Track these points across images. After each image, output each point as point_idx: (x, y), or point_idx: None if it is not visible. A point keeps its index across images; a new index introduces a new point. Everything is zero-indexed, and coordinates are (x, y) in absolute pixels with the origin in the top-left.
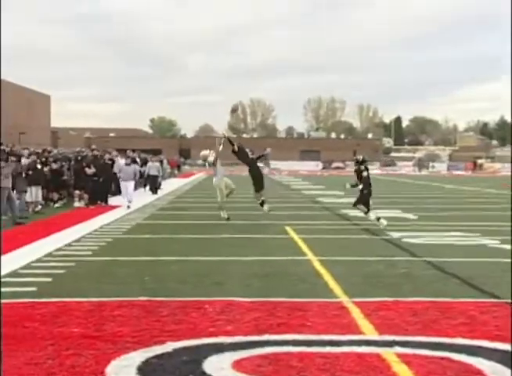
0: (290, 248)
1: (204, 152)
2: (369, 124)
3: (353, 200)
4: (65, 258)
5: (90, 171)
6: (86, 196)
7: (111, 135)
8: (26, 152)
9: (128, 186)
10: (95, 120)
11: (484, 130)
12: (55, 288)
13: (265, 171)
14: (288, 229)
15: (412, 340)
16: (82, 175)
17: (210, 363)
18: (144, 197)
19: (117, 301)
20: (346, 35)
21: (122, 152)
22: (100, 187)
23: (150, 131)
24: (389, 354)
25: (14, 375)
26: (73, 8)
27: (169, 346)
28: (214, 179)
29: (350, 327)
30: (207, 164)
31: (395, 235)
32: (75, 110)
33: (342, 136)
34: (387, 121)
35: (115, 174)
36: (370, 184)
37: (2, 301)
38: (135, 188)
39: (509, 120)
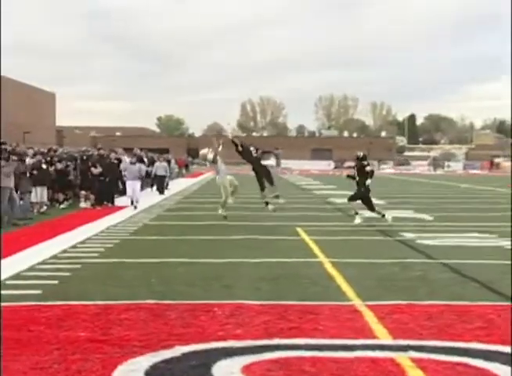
0: (301, 250)
1: (203, 150)
2: (382, 122)
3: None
4: (71, 260)
5: (96, 170)
6: (92, 196)
7: (117, 134)
8: (30, 151)
9: (133, 185)
10: (101, 118)
11: (501, 128)
12: (60, 291)
13: (276, 170)
14: (299, 230)
15: (428, 344)
16: (88, 175)
17: (219, 368)
18: (151, 197)
19: (123, 304)
20: (358, 31)
21: (129, 151)
22: (106, 187)
23: (157, 129)
24: (403, 359)
25: None
26: (79, 3)
27: (177, 350)
28: (217, 178)
29: (363, 331)
30: (207, 162)
31: (410, 236)
32: (81, 109)
33: (354, 135)
34: (400, 118)
35: (121, 173)
36: (372, 175)
37: (6, 304)
38: (142, 188)
39: None
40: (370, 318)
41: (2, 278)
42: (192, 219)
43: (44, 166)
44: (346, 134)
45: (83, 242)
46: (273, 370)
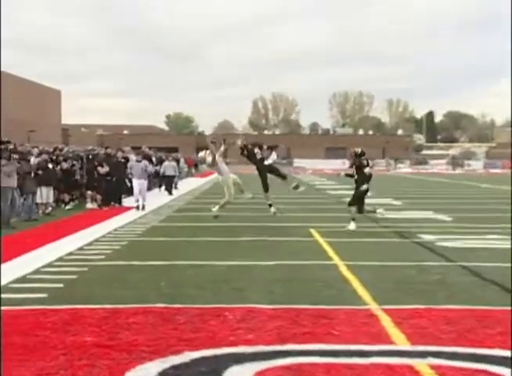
0: (314, 252)
1: (201, 153)
2: (398, 119)
3: (383, 200)
4: (77, 262)
5: (103, 170)
6: (99, 197)
7: (125, 132)
8: (35, 150)
9: (139, 185)
10: (108, 116)
11: None
12: (66, 294)
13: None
14: (313, 231)
15: (447, 350)
16: (95, 175)
17: (230, 374)
18: (159, 197)
19: (131, 308)
20: (374, 26)
21: (137, 150)
22: (114, 187)
23: (166, 128)
24: (422, 365)
25: None
26: None
27: (187, 356)
28: (220, 178)
29: (380, 337)
30: (206, 165)
31: (428, 238)
32: (87, 106)
33: (370, 133)
34: (418, 116)
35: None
36: (370, 180)
37: (11, 308)
38: (150, 188)
39: None
40: (387, 323)
41: (7, 281)
42: (202, 220)
43: (50, 165)
44: (361, 132)
45: (89, 244)
46: None
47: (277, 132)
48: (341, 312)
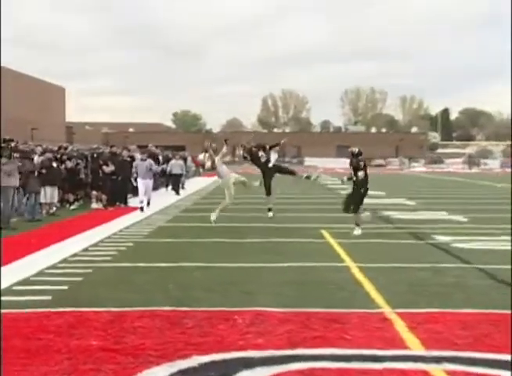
0: (326, 254)
1: (200, 156)
2: (412, 117)
3: (396, 200)
4: (82, 264)
5: (108, 169)
6: (104, 197)
7: (131, 130)
8: (39, 149)
9: (144, 184)
10: (113, 114)
11: None
12: (71, 297)
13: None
14: (324, 232)
15: (463, 356)
16: (100, 174)
17: None
18: (166, 197)
19: (138, 311)
20: (386, 20)
21: (143, 148)
22: (119, 187)
23: (173, 125)
24: (437, 371)
25: None
26: None
27: (195, 360)
28: (220, 181)
29: (393, 341)
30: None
31: (443, 239)
32: (92, 104)
33: (383, 130)
34: (433, 113)
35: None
36: (367, 182)
37: (14, 311)
38: (157, 188)
39: None
40: (401, 327)
41: (10, 283)
42: (210, 221)
43: (54, 164)
44: (374, 130)
45: (95, 245)
46: None
47: (287, 130)
48: (354, 316)
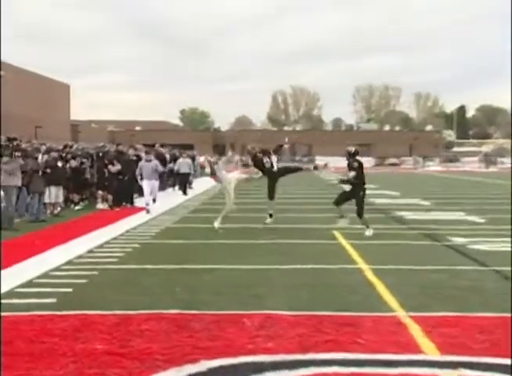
0: (338, 255)
1: (201, 159)
2: (427, 114)
3: (410, 200)
4: (87, 265)
5: (114, 168)
6: (110, 197)
7: (137, 128)
8: (43, 147)
9: (149, 186)
10: (119, 111)
11: None
12: (76, 299)
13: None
14: (336, 233)
15: (480, 361)
16: (105, 174)
17: None
18: (173, 197)
19: (144, 314)
20: (400, 14)
21: (150, 147)
22: (125, 187)
23: (181, 123)
24: None
25: None
26: None
27: (203, 365)
28: (220, 186)
29: (408, 346)
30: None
31: (459, 241)
32: (97, 101)
33: (397, 128)
34: (448, 110)
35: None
36: (363, 182)
37: (18, 313)
38: (164, 188)
39: None
40: (416, 331)
41: (13, 285)
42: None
43: (59, 164)
44: (387, 128)
45: (100, 246)
46: None
47: (298, 128)
48: (367, 320)
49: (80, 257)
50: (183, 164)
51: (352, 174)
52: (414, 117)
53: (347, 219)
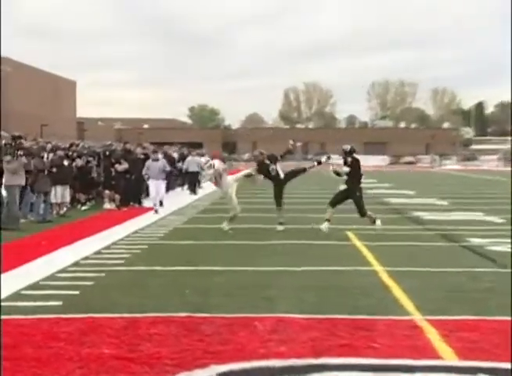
0: (352, 257)
1: (202, 159)
2: (445, 111)
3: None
4: (94, 267)
5: (121, 167)
6: (117, 196)
7: (145, 126)
8: (48, 146)
9: (156, 186)
10: (126, 109)
11: None
12: (82, 302)
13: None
14: (350, 234)
15: (499, 366)
16: (112, 173)
17: None
18: (182, 197)
19: (153, 317)
20: (416, 8)
21: (158, 145)
22: (133, 186)
23: (189, 121)
24: None
25: None
26: None
27: (213, 370)
28: (221, 191)
29: (425, 350)
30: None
31: (477, 241)
32: (104, 98)
33: (413, 126)
34: (466, 107)
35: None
36: (358, 181)
37: (23, 317)
38: (172, 187)
39: None
40: (433, 335)
41: (19, 288)
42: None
43: (65, 162)
44: (403, 125)
45: (107, 247)
46: None
47: (310, 126)
48: (382, 323)
49: (86, 258)
50: (192, 163)
51: (346, 169)
52: (431, 114)
53: (326, 225)
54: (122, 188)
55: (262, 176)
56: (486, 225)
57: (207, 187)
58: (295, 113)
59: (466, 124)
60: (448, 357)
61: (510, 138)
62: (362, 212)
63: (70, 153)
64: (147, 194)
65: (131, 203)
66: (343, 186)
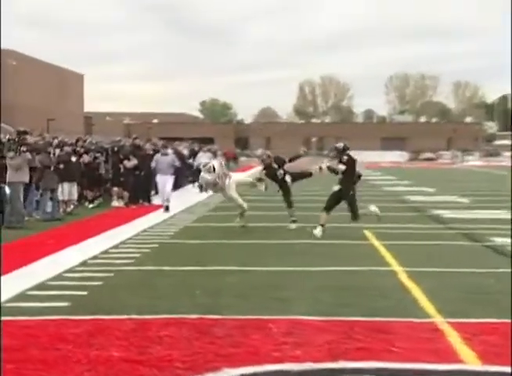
0: (369, 257)
1: (202, 160)
2: (467, 105)
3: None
4: (102, 267)
5: (130, 163)
6: (126, 194)
7: (154, 121)
8: (55, 141)
9: (163, 181)
10: (135, 103)
11: None
12: (90, 303)
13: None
14: (367, 233)
15: None
16: (121, 169)
17: None
18: (192, 194)
19: (163, 319)
20: None
21: (168, 141)
22: (142, 183)
23: (201, 116)
24: None
25: None
26: None
27: (225, 373)
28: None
29: (446, 354)
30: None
31: (501, 241)
32: (112, 92)
33: (434, 120)
34: (489, 100)
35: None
36: (352, 181)
37: (29, 318)
38: (181, 185)
39: None
40: (454, 338)
41: (24, 288)
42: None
43: (73, 159)
44: (423, 120)
45: (116, 246)
46: None
47: (327, 121)
48: (401, 326)
49: (94, 258)
50: (204, 158)
51: (341, 167)
52: (452, 108)
53: (322, 229)
54: (131, 185)
55: (265, 186)
56: (509, 224)
57: None
58: (311, 107)
59: (490, 118)
60: (471, 361)
61: None
62: (355, 215)
63: (78, 148)
64: (156, 191)
65: (140, 200)
66: (336, 187)
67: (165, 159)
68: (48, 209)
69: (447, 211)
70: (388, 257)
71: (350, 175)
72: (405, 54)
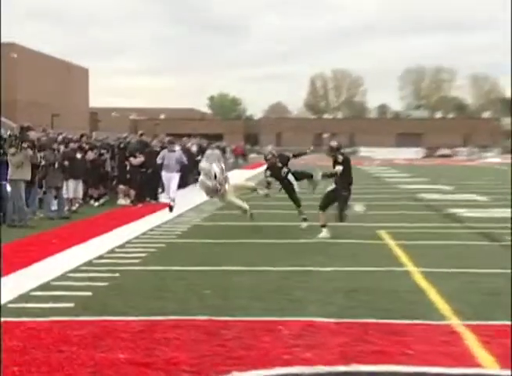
0: (384, 257)
1: (203, 164)
2: (485, 100)
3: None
4: (107, 267)
5: (136, 161)
6: (132, 192)
7: (162, 116)
8: (59, 138)
9: (169, 178)
10: (142, 98)
11: None
12: (96, 304)
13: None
14: (382, 233)
15: None
16: (127, 167)
17: None
18: (201, 192)
19: (171, 320)
20: None
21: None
22: (149, 181)
23: (209, 111)
24: None
25: None
26: None
27: None
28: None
29: (463, 358)
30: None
31: None
32: (118, 87)
33: (450, 116)
34: (508, 95)
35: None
36: (348, 181)
37: (33, 319)
38: (187, 183)
39: None
40: (471, 341)
41: (28, 289)
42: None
43: (78, 156)
44: (439, 115)
45: (122, 246)
46: None
47: (339, 116)
48: (416, 328)
49: (100, 257)
50: (203, 164)
51: (340, 168)
52: (470, 103)
53: (329, 230)
54: (137, 183)
55: (267, 191)
56: None
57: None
58: (322, 102)
59: (509, 113)
60: (489, 365)
61: None
62: (342, 217)
63: (84, 145)
64: (163, 189)
65: (147, 198)
66: (331, 187)
67: (172, 155)
68: (54, 207)
69: (464, 209)
70: (403, 257)
71: (346, 175)
72: (420, 47)
